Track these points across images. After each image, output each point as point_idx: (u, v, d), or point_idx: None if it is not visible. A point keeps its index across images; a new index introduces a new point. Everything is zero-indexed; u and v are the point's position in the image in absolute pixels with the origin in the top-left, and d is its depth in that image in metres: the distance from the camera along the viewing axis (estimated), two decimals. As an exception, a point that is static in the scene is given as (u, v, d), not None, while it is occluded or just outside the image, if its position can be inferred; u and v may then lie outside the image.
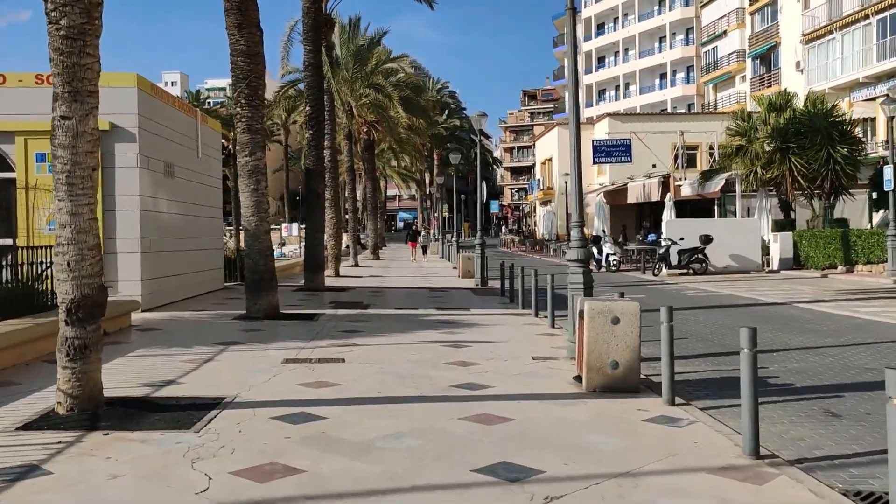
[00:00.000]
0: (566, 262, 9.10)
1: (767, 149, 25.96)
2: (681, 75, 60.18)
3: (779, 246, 25.24)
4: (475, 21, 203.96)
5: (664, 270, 24.42)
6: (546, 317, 12.81)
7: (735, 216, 31.29)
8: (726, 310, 14.51)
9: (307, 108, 18.69)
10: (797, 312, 13.85)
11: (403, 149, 46.70)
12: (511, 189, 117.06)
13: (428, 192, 76.25)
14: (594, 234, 32.29)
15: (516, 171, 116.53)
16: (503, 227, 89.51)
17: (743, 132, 27.05)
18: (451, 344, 9.82)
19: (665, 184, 32.57)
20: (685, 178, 33.34)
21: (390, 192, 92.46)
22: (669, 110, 55.24)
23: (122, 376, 7.61)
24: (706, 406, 6.64)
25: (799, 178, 24.77)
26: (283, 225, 66.21)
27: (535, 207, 58.53)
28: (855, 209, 29.07)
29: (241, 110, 12.19)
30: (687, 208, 34.51)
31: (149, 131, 13.49)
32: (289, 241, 60.48)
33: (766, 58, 47.34)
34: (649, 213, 43.38)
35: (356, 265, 31.42)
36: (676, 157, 35.53)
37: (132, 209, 13.00)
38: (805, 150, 24.66)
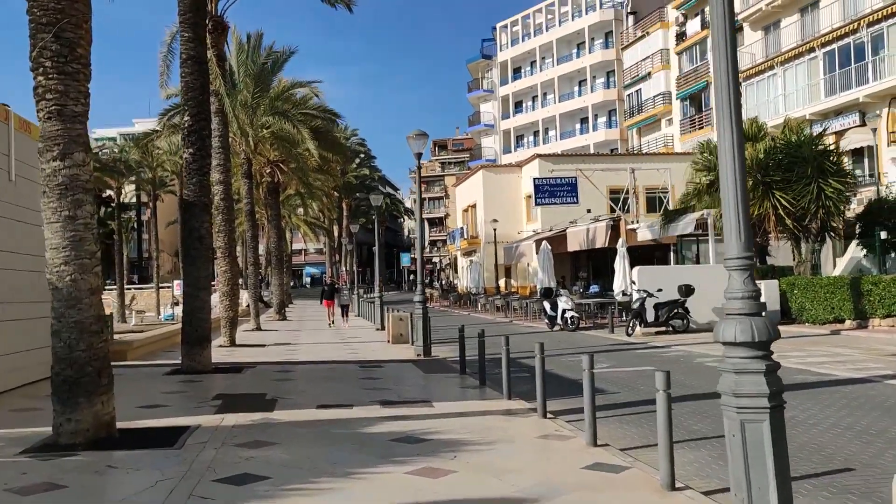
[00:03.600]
0: (707, 340, 4.40)
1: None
2: (602, 119, 57.94)
3: (763, 296, 21.47)
4: (380, 77, 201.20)
5: (638, 328, 20.15)
6: (554, 416, 8.15)
7: (693, 263, 27.78)
8: (801, 395, 10.06)
9: (186, 119, 13.45)
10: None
11: (313, 194, 41.56)
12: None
13: (337, 245, 70.87)
14: (540, 286, 27.91)
15: (427, 222, 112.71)
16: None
17: (711, 166, 23.55)
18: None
19: (615, 228, 28.73)
20: (637, 221, 29.64)
21: (296, 246, 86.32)
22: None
23: None
24: None
25: (785, 216, 21.26)
26: (176, 283, 59.10)
27: (455, 259, 54.12)
28: (821, 253, 26.02)
29: (44, 80, 6.93)
30: (637, 255, 30.81)
31: None
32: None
33: (697, 98, 45.32)
34: (587, 262, 39.75)
35: (258, 328, 25.80)
36: (625, 199, 31.90)
37: None
38: (791, 184, 21.24)
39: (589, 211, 37.39)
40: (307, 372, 13.33)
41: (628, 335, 19.94)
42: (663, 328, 20.29)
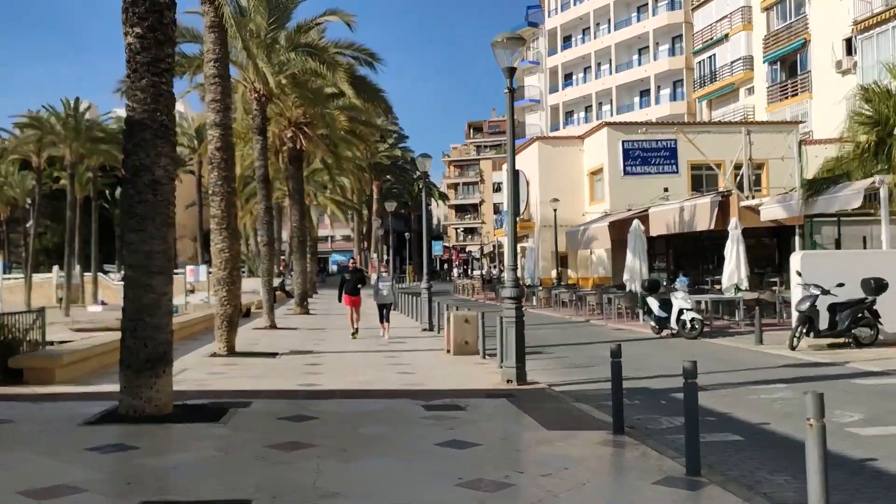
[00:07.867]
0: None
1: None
2: (666, 91, 51.35)
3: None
4: (407, 61, 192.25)
5: (804, 340, 14.13)
6: None
7: (830, 249, 21.51)
8: None
9: (130, -26, 7.68)
10: None
11: (342, 168, 35.80)
12: (456, 229, 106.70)
13: (367, 229, 65.23)
14: (631, 276, 21.84)
15: (461, 209, 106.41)
16: (453, 271, 78.72)
17: (882, 119, 17.39)
18: None
19: (723, 205, 22.59)
20: (752, 197, 23.47)
21: (322, 233, 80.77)
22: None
23: None
24: None
25: None
26: (189, 268, 53.59)
27: (500, 245, 48.12)
28: None
29: None
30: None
31: None
32: (199, 288, 48.01)
33: (790, 60, 38.69)
34: (666, 250, 33.57)
35: (272, 326, 20.17)
36: (736, 173, 25.71)
37: None
38: None
39: (666, 190, 31.26)
40: (337, 422, 7.57)
41: (792, 348, 13.91)
42: (841, 339, 14.23)
